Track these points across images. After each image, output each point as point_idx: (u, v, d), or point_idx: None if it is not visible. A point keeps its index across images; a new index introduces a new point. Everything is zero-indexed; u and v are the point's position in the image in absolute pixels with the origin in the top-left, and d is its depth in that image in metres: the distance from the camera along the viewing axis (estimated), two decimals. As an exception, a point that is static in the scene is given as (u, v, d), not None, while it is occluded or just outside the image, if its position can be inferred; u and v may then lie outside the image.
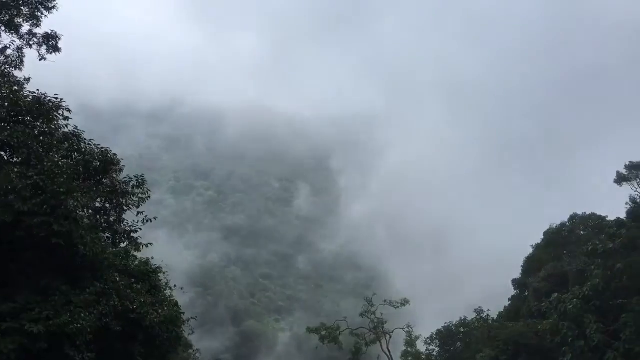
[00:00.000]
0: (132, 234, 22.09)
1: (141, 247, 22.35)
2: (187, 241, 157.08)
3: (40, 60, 31.67)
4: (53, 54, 32.12)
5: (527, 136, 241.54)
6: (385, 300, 51.46)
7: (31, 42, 31.57)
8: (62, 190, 18.33)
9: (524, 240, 55.02)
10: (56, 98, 21.08)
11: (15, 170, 18.00)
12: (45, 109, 20.95)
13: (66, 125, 21.45)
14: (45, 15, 31.74)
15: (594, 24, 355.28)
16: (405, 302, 50.83)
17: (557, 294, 35.13)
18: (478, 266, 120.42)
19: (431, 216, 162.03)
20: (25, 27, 31.19)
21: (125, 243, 22.29)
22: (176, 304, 29.09)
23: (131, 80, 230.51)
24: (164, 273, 29.83)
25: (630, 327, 30.56)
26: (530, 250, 51.85)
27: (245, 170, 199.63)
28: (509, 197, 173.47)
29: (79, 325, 18.33)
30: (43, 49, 31.81)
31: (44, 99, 20.99)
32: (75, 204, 18.67)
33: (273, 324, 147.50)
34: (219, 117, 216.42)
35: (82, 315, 18.43)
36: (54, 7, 32.23)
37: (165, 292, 29.14)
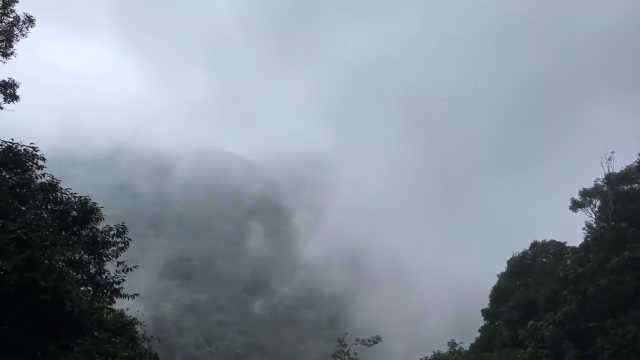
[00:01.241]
0: (114, 286, 20.97)
1: (128, 298, 21.21)
2: (139, 291, 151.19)
3: (-3, 109, 30.61)
4: (11, 102, 31.17)
5: (480, 164, 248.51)
6: (357, 339, 50.60)
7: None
8: (47, 244, 17.36)
9: (486, 269, 55.92)
10: (31, 147, 20.13)
11: (-1, 224, 16.93)
12: (19, 158, 19.97)
13: (43, 175, 20.47)
14: (4, 62, 30.85)
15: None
16: (377, 339, 50.12)
17: (532, 322, 35.63)
18: (440, 299, 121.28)
19: (389, 250, 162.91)
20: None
21: (107, 295, 21.07)
22: (156, 356, 27.88)
23: (74, 127, 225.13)
24: (141, 324, 28.62)
25: (608, 350, 31.18)
26: (496, 280, 52.58)
27: (197, 214, 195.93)
28: (464, 227, 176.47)
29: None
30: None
31: (17, 147, 20.03)
32: (61, 257, 17.68)
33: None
34: (167, 160, 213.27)
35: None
36: (11, 53, 31.40)
37: (142, 344, 27.92)
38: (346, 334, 52.10)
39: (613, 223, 35.09)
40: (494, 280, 53.14)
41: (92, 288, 20.78)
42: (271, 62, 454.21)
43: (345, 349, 50.79)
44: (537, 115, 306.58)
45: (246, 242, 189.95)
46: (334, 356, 51.17)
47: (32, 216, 17.77)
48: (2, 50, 31.17)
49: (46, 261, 17.21)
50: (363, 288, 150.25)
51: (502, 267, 52.47)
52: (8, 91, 30.82)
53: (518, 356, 35.91)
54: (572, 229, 52.13)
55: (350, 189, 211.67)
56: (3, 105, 30.92)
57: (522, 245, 52.39)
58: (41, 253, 17.09)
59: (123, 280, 21.08)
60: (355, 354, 50.37)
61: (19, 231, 16.95)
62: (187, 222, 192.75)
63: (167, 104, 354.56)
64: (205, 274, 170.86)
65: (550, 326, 33.93)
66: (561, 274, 35.80)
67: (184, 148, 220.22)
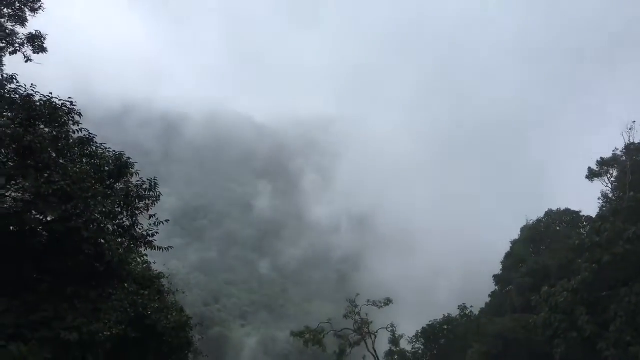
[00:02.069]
0: (148, 238, 21.44)
1: (162, 250, 21.72)
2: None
3: (26, 61, 30.96)
4: (39, 54, 31.54)
5: (495, 127, 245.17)
6: (368, 301, 51.61)
7: (14, 43, 31.03)
8: (89, 195, 17.74)
9: (496, 235, 56.45)
10: (69, 101, 20.31)
11: (43, 176, 17.28)
12: (57, 113, 20.19)
13: (80, 130, 20.72)
14: (33, 16, 31.04)
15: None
16: (388, 301, 51.14)
17: (546, 288, 36.10)
18: (450, 262, 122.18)
19: (398, 213, 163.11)
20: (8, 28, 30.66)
21: (142, 247, 21.57)
22: (182, 309, 28.59)
23: (85, 85, 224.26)
24: (167, 277, 29.31)
25: (621, 318, 31.68)
26: (507, 245, 53.18)
27: (206, 174, 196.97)
28: (475, 192, 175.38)
29: (108, 334, 17.88)
30: (29, 50, 31.14)
31: (55, 102, 20.23)
32: (102, 209, 18.09)
33: (239, 329, 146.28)
34: (177, 120, 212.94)
35: (109, 323, 18.00)
36: (39, 7, 31.58)
37: (168, 297, 28.65)
38: (358, 294, 53.10)
39: (632, 193, 35.12)
40: (504, 245, 53.80)
41: (128, 240, 21.27)
42: (286, 23, 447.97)
43: (357, 310, 51.89)
44: (560, 76, 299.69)
45: (255, 203, 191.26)
46: (345, 316, 52.27)
47: (75, 168, 18.08)
48: (30, 4, 31.45)
49: (87, 212, 17.63)
50: (371, 251, 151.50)
51: (514, 233, 53.09)
52: (36, 43, 31.34)
53: (530, 321, 36.55)
54: (588, 198, 52.34)
55: (360, 152, 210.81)
56: (32, 57, 31.57)
57: (536, 212, 52.84)
58: (83, 204, 17.49)
59: (157, 232, 21.52)
60: (367, 314, 51.50)
61: (62, 183, 17.30)
62: (197, 182, 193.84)
63: (180, 65, 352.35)
64: (214, 234, 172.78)
65: (565, 292, 34.39)
66: (577, 243, 36.10)
67: (195, 109, 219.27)
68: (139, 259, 21.88)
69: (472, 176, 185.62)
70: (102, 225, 18.51)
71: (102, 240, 18.28)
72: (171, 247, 22.09)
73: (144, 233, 21.53)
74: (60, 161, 19.46)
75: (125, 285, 21.62)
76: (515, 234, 52.84)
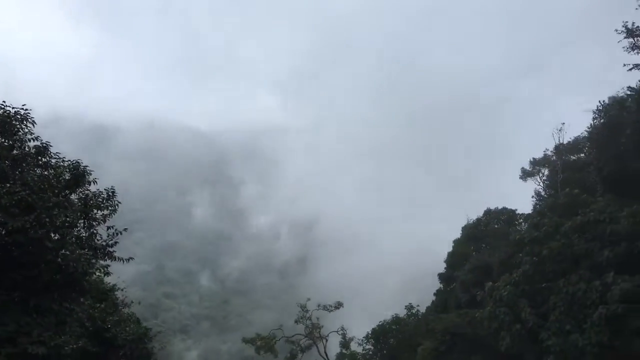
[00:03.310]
0: (108, 249, 21.04)
1: (123, 261, 21.34)
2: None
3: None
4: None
5: (432, 136, 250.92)
6: (319, 305, 52.30)
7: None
8: (50, 205, 17.33)
9: (441, 235, 58.39)
10: (22, 109, 19.71)
11: (5, 186, 16.73)
12: (9, 121, 19.55)
13: (35, 138, 20.15)
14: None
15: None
16: (339, 304, 51.99)
17: (490, 283, 37.79)
18: (395, 264, 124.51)
19: (342, 219, 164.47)
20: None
21: (102, 258, 21.11)
22: (138, 320, 28.11)
23: (4, 94, 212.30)
24: (122, 290, 28.72)
25: (559, 308, 33.59)
26: (451, 246, 55.16)
27: (142, 185, 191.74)
28: (415, 198, 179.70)
29: (73, 347, 17.47)
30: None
31: (9, 111, 19.60)
32: (63, 219, 17.68)
33: (179, 344, 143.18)
34: (110, 131, 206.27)
35: (73, 336, 17.63)
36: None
37: (123, 310, 28.09)
38: (309, 299, 53.62)
39: (567, 189, 37.46)
40: (448, 246, 55.91)
41: (87, 251, 20.78)
42: (224, 25, 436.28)
43: (308, 314, 52.38)
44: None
45: (194, 214, 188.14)
46: (296, 321, 52.69)
47: (35, 178, 17.63)
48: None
49: (49, 223, 17.22)
50: (315, 256, 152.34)
51: (457, 234, 55.19)
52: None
53: (476, 315, 38.10)
54: (522, 197, 55.36)
55: (303, 158, 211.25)
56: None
57: (476, 212, 55.21)
58: (45, 214, 17.07)
59: (117, 243, 21.18)
60: (318, 319, 52.08)
61: (23, 193, 16.83)
62: (132, 192, 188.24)
63: (113, 71, 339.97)
64: (151, 245, 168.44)
65: (508, 286, 36.13)
66: (517, 238, 38.06)
67: (129, 118, 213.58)
68: (101, 270, 21.36)
69: (417, 182, 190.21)
70: (65, 236, 18.12)
71: (66, 251, 17.87)
72: (132, 258, 21.73)
73: (104, 243, 21.16)
74: (17, 171, 18.89)
75: (82, 298, 21.14)
76: (458, 234, 55.05)
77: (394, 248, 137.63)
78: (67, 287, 18.36)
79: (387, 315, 52.60)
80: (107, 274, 21.33)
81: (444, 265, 54.33)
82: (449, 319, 42.29)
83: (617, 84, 54.35)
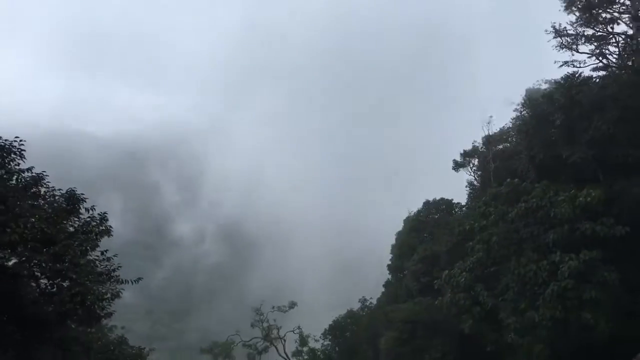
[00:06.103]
0: (112, 273, 20.74)
1: (132, 283, 21.15)
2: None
3: None
4: None
5: (368, 124, 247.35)
6: (273, 307, 52.98)
7: None
8: (67, 235, 17.03)
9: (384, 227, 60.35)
10: (16, 140, 19.04)
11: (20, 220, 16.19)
12: (3, 154, 18.84)
13: (26, 170, 19.50)
14: None
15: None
16: (293, 304, 52.97)
17: (447, 271, 40.28)
18: (328, 260, 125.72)
19: (269, 221, 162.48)
20: None
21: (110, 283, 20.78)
22: (126, 341, 27.63)
23: None
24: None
25: (513, 288, 36.58)
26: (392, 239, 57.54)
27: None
28: (348, 193, 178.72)
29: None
30: None
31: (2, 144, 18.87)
32: (83, 249, 17.43)
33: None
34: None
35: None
36: None
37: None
38: (263, 302, 54.12)
39: (508, 180, 40.49)
40: (391, 236, 58.10)
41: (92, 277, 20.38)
42: (129, 23, 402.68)
43: (263, 317, 52.91)
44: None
45: (108, 224, 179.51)
46: (253, 325, 53.08)
47: (50, 210, 17.18)
48: None
49: (70, 254, 16.93)
50: (244, 258, 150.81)
51: (399, 224, 57.62)
52: None
53: (436, 302, 40.48)
54: (456, 187, 58.68)
55: (224, 159, 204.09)
56: None
57: (416, 204, 57.90)
58: (65, 246, 16.76)
59: (120, 267, 20.95)
60: (274, 320, 52.76)
61: (42, 226, 16.43)
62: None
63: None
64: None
65: (464, 273, 38.75)
66: (467, 227, 40.77)
67: (26, 129, 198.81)
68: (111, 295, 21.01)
69: (355, 177, 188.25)
70: (82, 266, 17.83)
71: (87, 281, 17.57)
72: (141, 279, 21.53)
73: (108, 269, 20.86)
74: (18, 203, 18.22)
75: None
76: (400, 226, 57.48)
77: (340, 241, 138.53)
78: (86, 315, 18.08)
79: (336, 303, 54.16)
80: (118, 297, 20.98)
81: (389, 255, 56.68)
82: (407, 307, 44.46)
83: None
